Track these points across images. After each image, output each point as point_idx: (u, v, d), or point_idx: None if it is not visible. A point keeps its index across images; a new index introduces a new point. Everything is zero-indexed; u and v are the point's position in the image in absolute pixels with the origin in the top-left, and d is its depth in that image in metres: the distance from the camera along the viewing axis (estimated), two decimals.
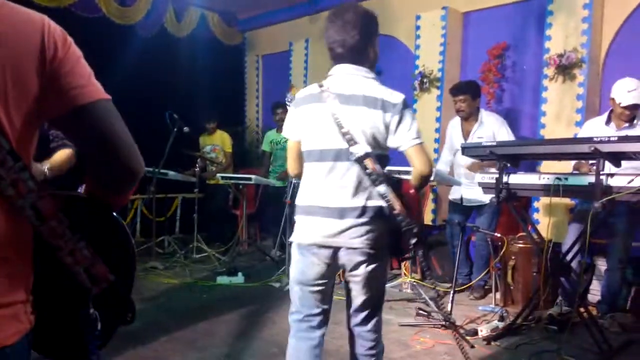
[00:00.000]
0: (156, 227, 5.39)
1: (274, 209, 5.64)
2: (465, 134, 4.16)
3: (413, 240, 1.80)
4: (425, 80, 5.19)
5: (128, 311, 1.00)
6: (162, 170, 5.22)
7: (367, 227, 1.84)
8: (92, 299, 0.91)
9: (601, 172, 2.66)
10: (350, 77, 1.91)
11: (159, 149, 5.05)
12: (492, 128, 4.04)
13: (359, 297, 1.97)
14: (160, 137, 5.08)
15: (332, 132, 1.85)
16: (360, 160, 1.80)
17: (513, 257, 3.84)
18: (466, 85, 4.14)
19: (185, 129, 5.12)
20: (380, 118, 1.84)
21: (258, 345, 3.11)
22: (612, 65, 4.21)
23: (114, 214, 1.01)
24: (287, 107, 5.92)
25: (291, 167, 2.08)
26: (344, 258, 1.89)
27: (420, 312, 3.56)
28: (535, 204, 4.41)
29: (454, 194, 4.33)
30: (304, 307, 2.00)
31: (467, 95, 4.07)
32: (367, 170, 1.80)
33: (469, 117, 4.14)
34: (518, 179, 3.12)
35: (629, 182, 2.59)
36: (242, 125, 7.52)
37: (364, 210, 1.83)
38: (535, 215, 4.38)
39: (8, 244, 0.82)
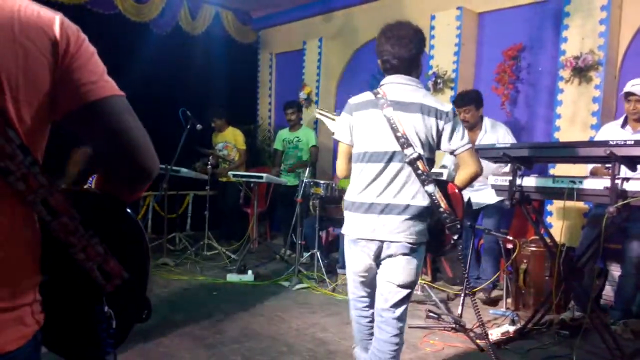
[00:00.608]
0: (167, 224, 5.43)
1: (285, 208, 5.65)
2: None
3: (456, 236, 2.04)
4: (439, 80, 5.15)
5: (144, 309, 1.00)
6: (174, 167, 5.25)
7: (409, 223, 2.05)
8: (106, 297, 0.90)
9: (617, 176, 2.63)
10: (405, 87, 2.13)
11: (172, 146, 5.08)
12: (496, 135, 4.05)
13: (392, 283, 2.13)
14: (173, 134, 5.11)
15: (387, 136, 2.06)
16: (413, 162, 2.01)
17: (525, 261, 3.81)
18: (470, 96, 4.12)
19: (198, 126, 5.15)
20: (434, 125, 2.08)
21: (267, 344, 3.12)
22: (629, 67, 4.15)
23: (128, 210, 0.99)
24: (299, 107, 5.98)
25: (341, 169, 2.24)
26: (388, 250, 2.10)
27: (431, 314, 3.54)
28: (549, 208, 4.36)
29: None
30: (357, 289, 2.26)
31: (472, 106, 4.07)
32: (419, 171, 2.01)
33: (474, 127, 4.13)
34: (532, 181, 3.09)
35: None
36: (254, 124, 7.54)
37: (407, 207, 2.05)
38: (549, 219, 4.33)
39: (14, 242, 0.81)
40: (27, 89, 0.80)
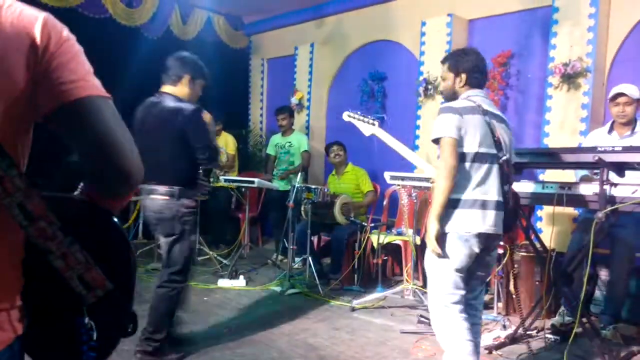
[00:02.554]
0: None
1: (277, 213, 5.65)
2: None
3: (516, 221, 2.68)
4: (429, 86, 5.19)
5: (129, 322, 0.95)
6: None
7: (502, 216, 2.39)
8: (89, 308, 0.86)
9: (605, 182, 2.66)
10: (487, 100, 2.53)
11: None
12: None
13: (485, 274, 2.56)
14: None
15: (489, 140, 2.36)
16: (502, 164, 2.38)
17: (515, 266, 3.83)
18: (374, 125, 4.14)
19: None
20: (511, 134, 2.56)
21: (259, 349, 3.11)
22: (617, 74, 4.21)
23: (115, 219, 0.95)
24: (291, 112, 5.99)
25: (454, 165, 2.30)
26: (493, 244, 2.46)
27: (422, 319, 3.55)
28: (539, 213, 4.40)
29: None
30: (460, 286, 2.38)
31: None
32: (505, 171, 2.38)
33: None
34: (522, 187, 3.12)
35: (633, 192, 2.58)
36: (246, 129, 7.53)
37: (500, 203, 2.37)
38: (538, 224, 4.37)
39: None
40: (2, 89, 0.78)
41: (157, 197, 2.79)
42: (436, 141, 2.36)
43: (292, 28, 6.88)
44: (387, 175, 4.03)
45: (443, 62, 2.61)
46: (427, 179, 3.81)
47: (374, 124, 2.91)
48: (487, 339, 3.20)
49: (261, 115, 7.60)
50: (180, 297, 2.93)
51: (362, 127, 2.92)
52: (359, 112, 2.94)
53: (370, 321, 3.71)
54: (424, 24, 5.25)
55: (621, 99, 3.41)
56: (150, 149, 2.51)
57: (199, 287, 4.50)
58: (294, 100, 6.61)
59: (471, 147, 2.33)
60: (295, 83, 6.74)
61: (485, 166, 2.34)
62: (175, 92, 2.93)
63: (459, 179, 2.32)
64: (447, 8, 5.10)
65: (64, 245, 0.82)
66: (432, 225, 2.31)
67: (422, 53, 5.30)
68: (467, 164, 2.33)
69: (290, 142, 5.87)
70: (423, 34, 5.26)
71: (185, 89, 2.95)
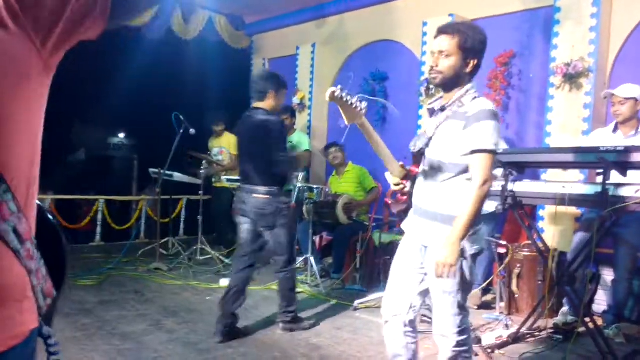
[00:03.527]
0: (161, 229, 5.40)
1: None
2: None
3: None
4: (431, 87, 5.18)
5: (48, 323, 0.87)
6: (167, 172, 5.23)
7: None
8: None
9: (608, 182, 2.66)
10: None
11: (166, 150, 5.07)
12: None
13: None
14: (166, 138, 5.10)
15: None
16: None
17: (518, 266, 3.83)
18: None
19: (192, 131, 5.14)
20: None
21: (260, 349, 3.11)
22: (619, 74, 4.21)
23: (49, 216, 0.89)
24: (293, 112, 5.98)
25: (491, 175, 2.02)
26: None
27: (424, 318, 3.54)
28: (541, 213, 4.39)
29: None
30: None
31: None
32: None
33: None
34: (524, 187, 3.11)
35: (636, 192, 2.58)
36: None
37: None
38: (541, 224, 4.36)
39: None
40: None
41: (259, 196, 3.33)
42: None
43: (294, 28, 6.89)
44: (388, 175, 4.02)
45: (448, 32, 2.01)
46: None
47: (362, 110, 2.03)
48: (489, 338, 3.20)
49: None
50: (294, 278, 3.57)
51: (347, 112, 2.03)
52: (347, 92, 1.97)
53: (373, 321, 3.71)
54: (425, 24, 5.25)
55: (615, 98, 3.42)
56: (249, 156, 3.40)
57: (201, 286, 4.51)
58: (296, 100, 6.61)
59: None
60: (296, 83, 6.74)
61: None
62: (264, 106, 3.42)
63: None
64: (448, 8, 5.10)
65: (38, 262, 0.79)
66: (454, 249, 1.92)
67: (423, 53, 5.30)
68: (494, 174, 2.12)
69: (292, 142, 5.86)
70: (424, 34, 5.26)
71: (271, 102, 3.43)
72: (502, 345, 3.15)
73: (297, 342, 3.26)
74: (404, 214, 2.29)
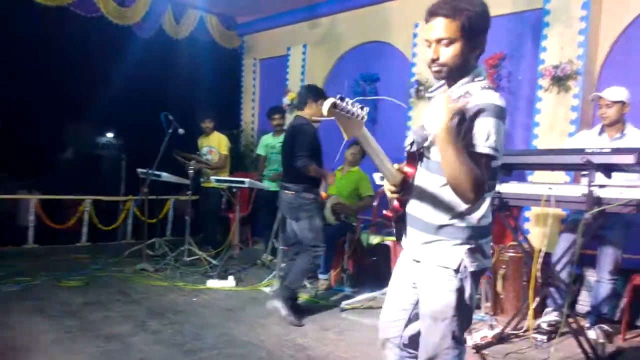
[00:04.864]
0: (148, 229, 5.36)
1: (267, 213, 5.63)
2: None
3: None
4: (421, 88, 5.20)
5: None
6: (155, 172, 5.19)
7: None
8: None
9: (593, 184, 2.68)
10: None
11: (154, 149, 5.03)
12: None
13: None
14: (155, 138, 5.06)
15: None
16: None
17: (503, 266, 3.85)
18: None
19: (180, 130, 5.11)
20: None
21: (247, 350, 3.09)
22: (607, 77, 4.24)
23: None
24: (284, 112, 5.97)
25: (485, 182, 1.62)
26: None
27: None
28: (526, 214, 4.42)
29: None
30: None
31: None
32: None
33: None
34: (510, 188, 3.13)
35: (621, 194, 2.60)
36: (237, 129, 7.52)
37: None
38: (526, 225, 4.38)
39: None
40: None
41: (287, 192, 3.83)
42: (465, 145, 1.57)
43: (285, 29, 6.88)
44: (376, 175, 4.02)
45: (445, 14, 1.64)
46: None
47: (363, 119, 1.55)
48: (474, 339, 3.21)
49: (253, 115, 7.59)
50: (316, 261, 3.86)
51: (346, 125, 1.56)
52: (348, 100, 1.52)
53: (359, 322, 3.70)
54: (416, 25, 5.26)
55: (602, 101, 3.44)
56: (284, 157, 4.01)
57: (187, 287, 4.48)
58: (286, 100, 6.60)
59: (499, 161, 1.65)
60: (287, 83, 6.74)
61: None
62: (302, 114, 3.91)
63: (481, 203, 1.66)
64: None
65: None
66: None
67: (414, 55, 5.32)
68: (490, 183, 1.67)
69: (281, 143, 5.85)
70: (415, 35, 5.28)
71: (309, 110, 3.87)
72: (486, 346, 3.17)
73: (283, 342, 3.24)
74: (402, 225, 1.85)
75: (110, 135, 8.98)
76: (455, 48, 1.63)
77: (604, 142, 3.43)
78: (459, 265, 1.63)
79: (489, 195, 1.67)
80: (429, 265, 1.69)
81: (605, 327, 3.38)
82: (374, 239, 4.63)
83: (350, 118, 1.51)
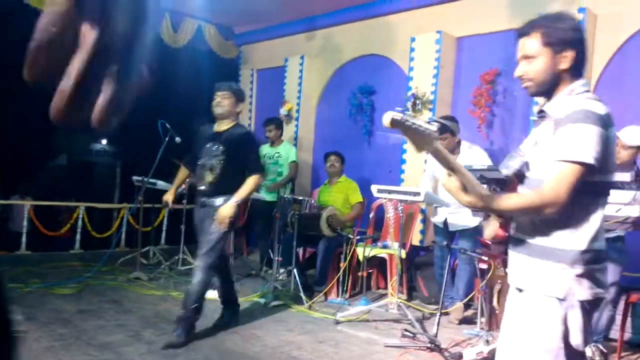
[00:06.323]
0: (142, 237, 5.33)
1: (262, 224, 5.62)
2: None
3: None
4: (417, 101, 5.24)
5: None
6: (150, 180, 5.17)
7: None
8: None
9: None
10: None
11: (150, 158, 5.02)
12: (472, 160, 4.10)
13: None
14: (152, 146, 5.05)
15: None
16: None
17: (499, 281, 3.85)
18: (445, 127, 4.12)
19: (177, 139, 5.11)
20: None
21: None
22: (601, 95, 4.24)
23: None
24: (279, 124, 5.98)
25: (566, 197, 1.48)
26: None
27: (406, 333, 3.54)
28: None
29: (438, 217, 4.37)
30: None
31: (448, 134, 4.10)
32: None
33: (452, 152, 4.20)
34: None
35: (617, 211, 2.63)
36: None
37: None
38: None
39: None
40: None
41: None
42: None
43: (283, 40, 6.92)
44: (374, 188, 4.04)
45: (525, 33, 1.69)
46: (413, 193, 3.82)
47: (433, 135, 1.50)
48: (470, 354, 3.21)
49: (249, 125, 7.59)
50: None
51: (415, 138, 1.50)
52: (409, 114, 1.48)
53: (354, 334, 3.69)
54: (413, 39, 5.32)
55: (618, 142, 3.23)
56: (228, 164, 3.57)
57: (181, 297, 4.42)
58: (283, 111, 6.62)
59: (608, 176, 1.59)
60: (284, 94, 6.76)
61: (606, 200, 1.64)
62: None
63: (579, 222, 1.54)
64: (436, 25, 5.18)
65: None
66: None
67: (411, 69, 5.36)
68: (599, 199, 1.58)
69: (279, 153, 5.87)
70: (412, 49, 5.33)
71: None
72: None
73: (278, 354, 3.22)
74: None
75: (104, 142, 8.96)
76: (538, 63, 1.66)
77: None
78: (566, 293, 1.49)
79: (596, 215, 1.55)
80: (532, 293, 1.58)
81: (600, 343, 3.39)
82: (370, 252, 4.63)
83: (418, 131, 1.47)
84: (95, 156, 8.96)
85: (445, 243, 4.04)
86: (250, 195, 3.69)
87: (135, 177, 5.32)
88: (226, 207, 3.40)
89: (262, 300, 4.40)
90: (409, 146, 5.40)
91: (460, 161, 4.32)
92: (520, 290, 1.63)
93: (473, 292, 4.09)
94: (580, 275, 1.50)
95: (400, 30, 5.56)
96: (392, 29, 5.67)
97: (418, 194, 3.76)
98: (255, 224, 6.14)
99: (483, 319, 3.93)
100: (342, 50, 6.28)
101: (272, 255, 4.81)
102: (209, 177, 3.53)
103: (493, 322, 3.89)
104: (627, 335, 3.54)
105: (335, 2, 5.91)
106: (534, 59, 1.66)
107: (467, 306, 4.20)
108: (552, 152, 1.53)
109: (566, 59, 1.62)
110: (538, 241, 1.58)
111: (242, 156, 3.52)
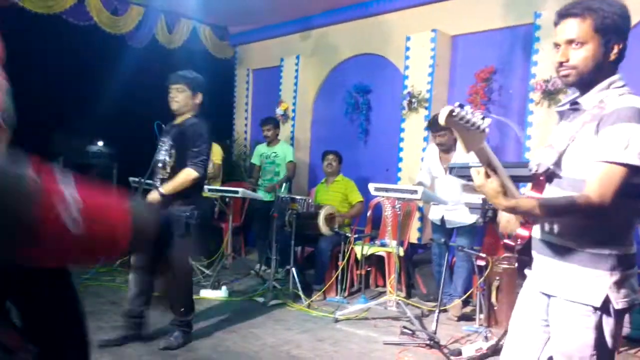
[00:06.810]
0: None
1: (260, 223, 5.62)
2: (444, 164, 4.24)
3: None
4: (413, 100, 5.25)
5: None
6: (147, 181, 5.16)
7: None
8: None
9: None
10: None
11: (146, 159, 5.00)
12: (469, 158, 4.10)
13: None
14: (148, 147, 5.03)
15: None
16: None
17: (497, 278, 3.88)
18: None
19: None
20: None
21: None
22: None
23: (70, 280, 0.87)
24: (276, 123, 5.99)
25: (611, 200, 1.41)
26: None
27: (405, 330, 3.55)
28: None
29: (435, 214, 4.38)
30: None
31: (447, 130, 4.12)
32: None
33: (449, 149, 4.23)
34: None
35: None
36: (230, 139, 7.52)
37: None
38: None
39: None
40: None
41: None
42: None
43: (278, 39, 6.92)
44: (371, 186, 4.05)
45: (575, 14, 1.51)
46: (411, 191, 3.83)
47: (484, 131, 1.46)
48: (469, 351, 3.23)
49: (246, 125, 7.59)
50: None
51: (466, 136, 1.46)
52: (468, 108, 1.42)
53: (354, 332, 3.70)
54: (408, 38, 5.33)
55: None
56: None
57: None
58: (279, 111, 6.62)
59: None
60: (280, 94, 6.76)
61: None
62: None
63: (620, 224, 1.49)
64: (431, 24, 5.19)
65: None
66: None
67: (406, 67, 5.37)
68: (635, 202, 1.50)
69: (275, 153, 5.87)
70: (407, 48, 5.34)
71: None
72: (481, 357, 3.18)
73: (277, 353, 3.23)
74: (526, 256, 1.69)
75: (100, 144, 8.92)
76: (586, 50, 1.50)
77: None
78: (603, 300, 1.43)
79: (633, 218, 1.49)
80: (564, 299, 1.50)
81: None
82: (368, 250, 4.64)
83: (471, 128, 1.40)
84: (91, 158, 8.92)
85: (443, 240, 4.06)
86: (177, 190, 3.31)
87: (132, 178, 5.32)
88: (150, 195, 3.28)
89: (261, 300, 4.41)
90: (405, 144, 5.43)
91: (457, 158, 4.36)
92: (549, 296, 1.57)
93: (471, 289, 4.11)
94: (617, 283, 1.44)
95: (395, 29, 5.57)
96: (387, 28, 5.68)
97: (415, 192, 3.77)
98: (253, 224, 6.14)
99: (482, 316, 3.95)
100: (337, 50, 6.29)
101: (270, 254, 4.82)
102: (162, 174, 3.43)
103: (492, 318, 3.92)
104: (626, 330, 3.56)
105: (330, 1, 5.91)
106: (582, 45, 1.50)
107: (466, 303, 4.22)
108: (596, 151, 1.43)
109: (614, 50, 1.50)
110: (572, 245, 1.50)
111: (189, 149, 3.34)
